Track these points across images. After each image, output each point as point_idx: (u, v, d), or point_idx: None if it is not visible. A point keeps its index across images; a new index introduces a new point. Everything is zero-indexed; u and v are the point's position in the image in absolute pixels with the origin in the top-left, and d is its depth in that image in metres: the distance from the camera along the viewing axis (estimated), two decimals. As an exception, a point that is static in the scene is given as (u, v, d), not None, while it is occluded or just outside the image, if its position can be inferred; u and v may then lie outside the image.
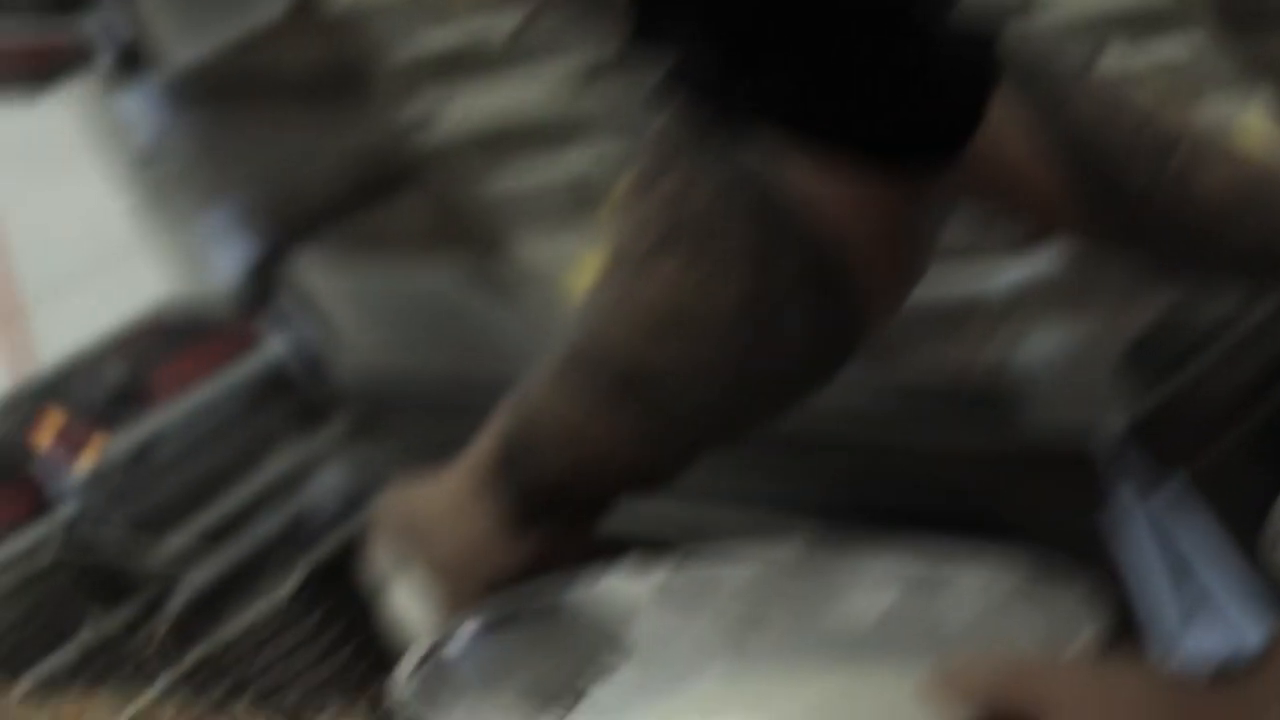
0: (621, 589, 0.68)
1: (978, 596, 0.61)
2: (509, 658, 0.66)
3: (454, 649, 0.64)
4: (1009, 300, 0.81)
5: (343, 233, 1.19)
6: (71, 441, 0.96)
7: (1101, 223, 0.60)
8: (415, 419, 1.10)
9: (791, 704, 0.63)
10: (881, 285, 0.61)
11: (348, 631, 0.75)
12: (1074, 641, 0.54)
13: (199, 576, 0.71)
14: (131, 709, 0.70)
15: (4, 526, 0.89)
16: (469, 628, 0.66)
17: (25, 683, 0.83)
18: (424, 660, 0.63)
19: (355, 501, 0.64)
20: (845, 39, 0.55)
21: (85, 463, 0.94)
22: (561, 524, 0.78)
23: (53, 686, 0.84)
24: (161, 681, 0.70)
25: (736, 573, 0.67)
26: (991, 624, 0.60)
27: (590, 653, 0.67)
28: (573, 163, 1.03)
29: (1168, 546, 0.71)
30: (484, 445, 0.75)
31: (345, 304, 1.15)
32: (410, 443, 1.09)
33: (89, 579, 0.88)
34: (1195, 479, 0.71)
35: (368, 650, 0.75)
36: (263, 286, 1.16)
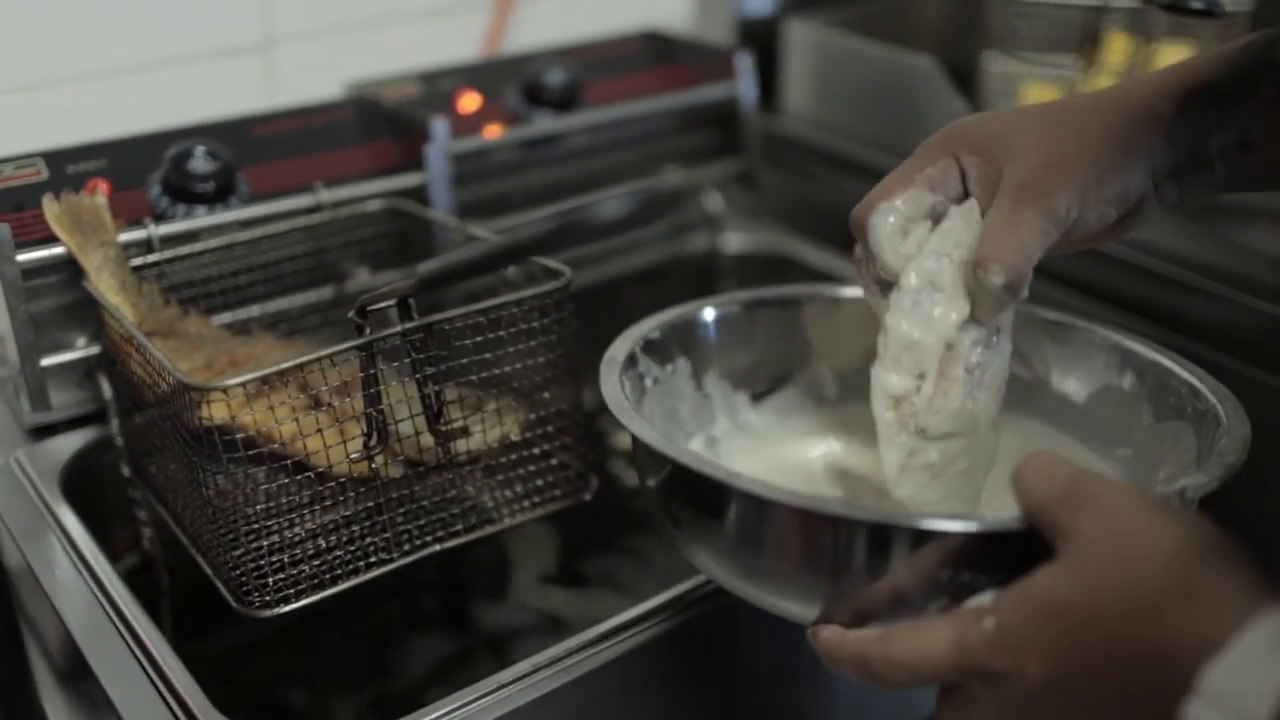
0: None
1: (1165, 411, 0.64)
2: (768, 331, 0.74)
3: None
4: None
5: (842, 10, 1.26)
6: (475, 121, 1.02)
7: None
8: (819, 178, 1.17)
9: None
10: None
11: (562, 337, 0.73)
12: (1190, 484, 0.53)
13: (463, 252, 0.67)
14: (305, 358, 0.67)
15: (381, 169, 0.96)
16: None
17: (251, 310, 0.87)
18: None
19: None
20: None
21: (471, 141, 0.99)
22: None
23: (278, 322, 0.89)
24: (356, 341, 0.67)
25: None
26: (1157, 437, 0.65)
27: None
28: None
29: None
30: None
31: (819, 64, 1.21)
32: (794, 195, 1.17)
33: (405, 236, 0.93)
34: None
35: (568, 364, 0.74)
36: (758, 34, 1.25)
